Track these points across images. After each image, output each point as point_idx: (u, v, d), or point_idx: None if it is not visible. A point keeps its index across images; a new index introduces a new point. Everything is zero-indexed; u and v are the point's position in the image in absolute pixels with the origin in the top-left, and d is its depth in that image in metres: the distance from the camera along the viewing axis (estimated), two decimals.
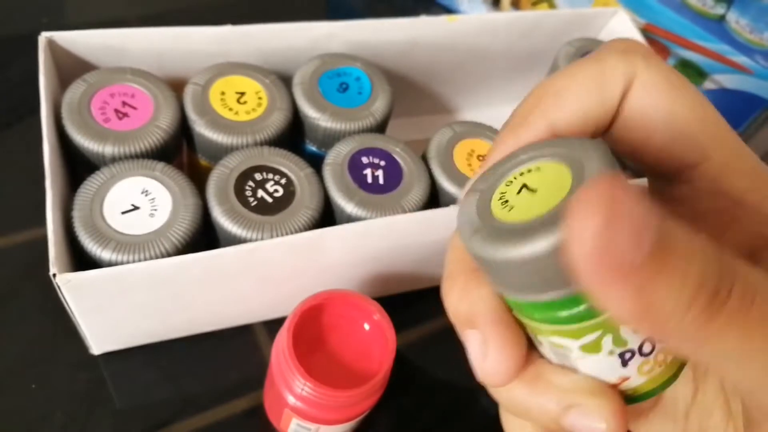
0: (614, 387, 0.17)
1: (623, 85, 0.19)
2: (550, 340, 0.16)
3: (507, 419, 0.20)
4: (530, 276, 0.15)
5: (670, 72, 0.19)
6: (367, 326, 0.29)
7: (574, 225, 0.12)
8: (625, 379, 0.16)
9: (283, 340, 0.27)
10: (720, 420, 0.19)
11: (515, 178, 0.17)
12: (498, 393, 0.18)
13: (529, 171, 0.17)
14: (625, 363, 0.16)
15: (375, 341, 0.28)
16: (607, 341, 0.16)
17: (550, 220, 0.14)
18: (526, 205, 0.16)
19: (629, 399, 0.17)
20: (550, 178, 0.16)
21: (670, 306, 0.13)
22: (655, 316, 0.13)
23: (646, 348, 0.16)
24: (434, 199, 0.34)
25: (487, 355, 0.17)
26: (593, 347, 0.16)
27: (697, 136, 0.19)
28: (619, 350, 0.16)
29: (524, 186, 0.16)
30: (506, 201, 0.16)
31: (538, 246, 0.14)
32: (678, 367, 0.17)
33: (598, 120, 0.19)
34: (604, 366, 0.16)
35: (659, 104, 0.19)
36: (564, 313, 0.15)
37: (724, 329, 0.13)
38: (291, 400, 0.27)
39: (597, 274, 0.12)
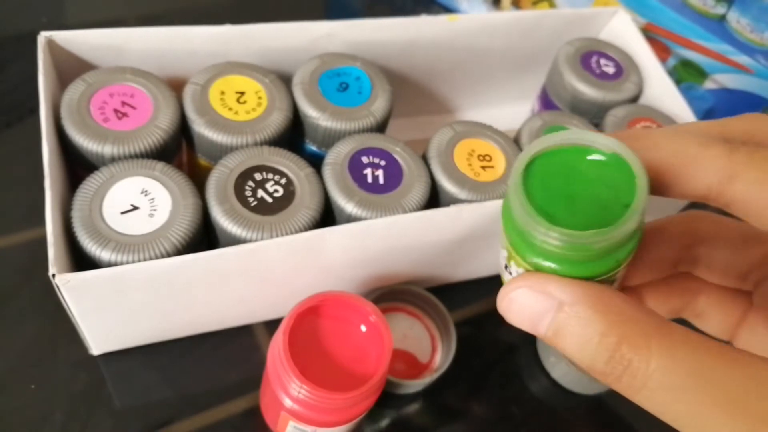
0: None
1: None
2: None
3: None
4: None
5: None
6: (363, 328, 0.29)
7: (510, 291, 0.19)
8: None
9: (278, 342, 0.27)
10: None
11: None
12: None
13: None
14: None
15: (371, 343, 0.28)
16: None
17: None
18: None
19: None
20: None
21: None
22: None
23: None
24: (434, 198, 0.34)
25: None
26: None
27: None
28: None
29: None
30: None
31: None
32: None
33: None
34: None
35: None
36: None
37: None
38: (287, 402, 0.27)
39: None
